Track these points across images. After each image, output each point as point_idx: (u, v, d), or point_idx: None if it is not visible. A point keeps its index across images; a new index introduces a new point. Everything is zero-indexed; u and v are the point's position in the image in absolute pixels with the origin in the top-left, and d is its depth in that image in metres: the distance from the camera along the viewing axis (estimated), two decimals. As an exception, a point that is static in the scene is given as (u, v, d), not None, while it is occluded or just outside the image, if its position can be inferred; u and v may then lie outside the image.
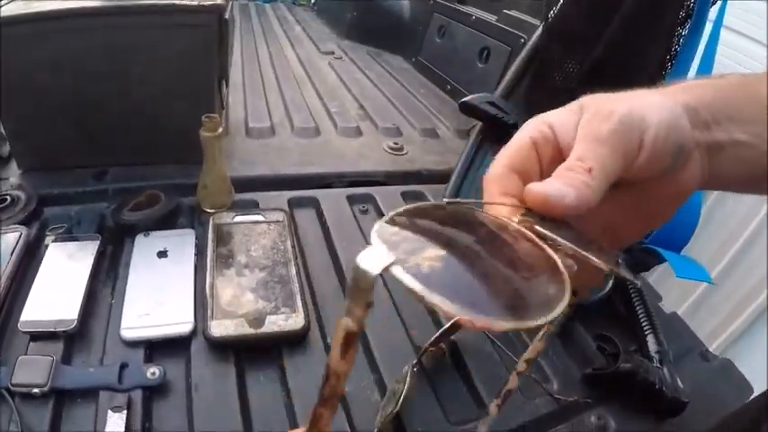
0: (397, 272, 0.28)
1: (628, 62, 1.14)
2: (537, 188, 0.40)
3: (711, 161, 0.45)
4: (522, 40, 1.46)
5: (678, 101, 0.44)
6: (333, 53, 2.07)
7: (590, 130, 0.42)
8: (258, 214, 1.01)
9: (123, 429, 0.67)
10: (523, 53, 1.28)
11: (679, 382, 0.80)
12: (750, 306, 1.87)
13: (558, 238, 0.37)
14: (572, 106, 0.45)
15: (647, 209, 0.47)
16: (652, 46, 1.12)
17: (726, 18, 1.08)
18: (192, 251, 0.93)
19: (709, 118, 0.45)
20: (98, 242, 0.92)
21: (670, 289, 1.88)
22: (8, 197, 0.98)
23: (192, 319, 0.81)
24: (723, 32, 1.07)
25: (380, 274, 0.26)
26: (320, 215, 1.09)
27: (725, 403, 0.82)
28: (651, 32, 1.11)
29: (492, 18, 1.67)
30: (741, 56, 2.08)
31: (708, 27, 1.09)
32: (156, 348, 0.79)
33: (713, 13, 1.09)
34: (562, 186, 0.40)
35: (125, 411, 0.69)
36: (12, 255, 0.87)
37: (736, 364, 0.91)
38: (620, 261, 0.40)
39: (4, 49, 0.93)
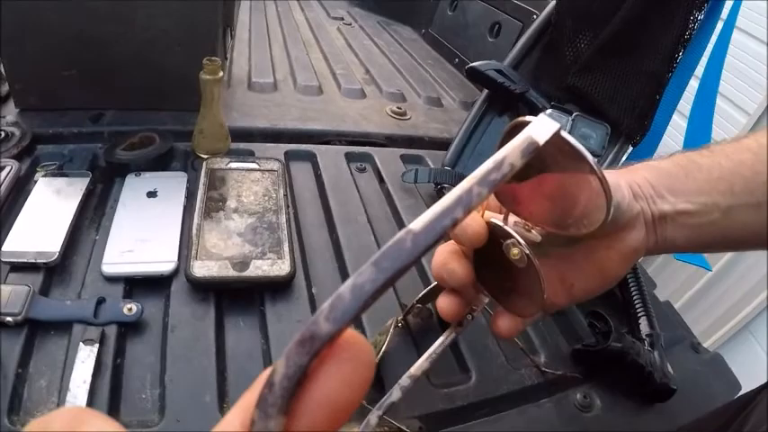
0: (565, 134, 0.35)
1: (640, 42, 1.10)
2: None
3: (658, 228, 0.52)
4: (535, 17, 1.41)
5: (621, 177, 0.50)
6: (342, 19, 2.02)
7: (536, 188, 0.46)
8: (253, 162, 0.97)
9: (93, 362, 0.64)
10: (535, 24, 1.24)
11: (669, 368, 0.76)
12: (744, 308, 1.85)
13: None
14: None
15: (598, 267, 0.52)
16: (666, 28, 1.08)
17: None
18: (182, 193, 0.89)
19: (652, 192, 0.51)
20: (88, 179, 0.89)
21: (666, 283, 1.87)
22: (2, 132, 0.95)
23: (176, 258, 0.77)
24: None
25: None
26: (316, 169, 1.05)
27: (712, 397, 0.79)
28: (667, 13, 1.07)
29: (506, -7, 1.63)
30: (741, 53, 2.05)
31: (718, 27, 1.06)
32: (136, 286, 0.76)
33: (724, 12, 1.06)
34: None
35: (97, 345, 0.65)
36: (0, 186, 0.84)
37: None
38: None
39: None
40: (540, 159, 0.42)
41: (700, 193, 0.52)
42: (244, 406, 0.22)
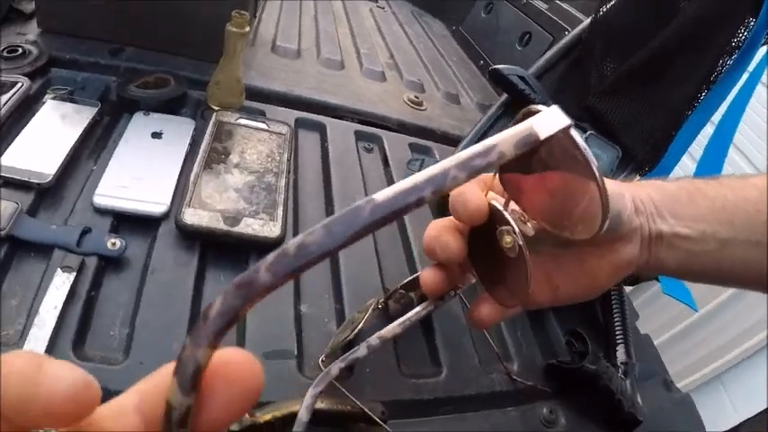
0: (574, 134, 0.35)
1: (665, 76, 1.09)
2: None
3: (653, 247, 0.52)
4: (566, 33, 1.40)
5: (627, 189, 0.50)
6: (377, 2, 2.00)
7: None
8: (263, 122, 0.95)
9: (68, 290, 0.62)
10: (565, 39, 1.22)
11: (638, 399, 0.75)
12: (721, 358, 1.85)
13: None
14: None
15: (587, 274, 0.52)
16: (694, 67, 1.07)
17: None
18: (187, 140, 0.87)
19: (653, 210, 0.51)
20: (96, 110, 0.87)
21: (650, 318, 1.86)
22: (20, 48, 0.93)
23: (168, 202, 0.76)
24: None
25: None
26: (323, 141, 1.03)
27: (674, 434, 0.79)
28: (697, 53, 1.05)
29: (543, 6, 1.60)
30: (761, 107, 2.03)
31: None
32: (124, 222, 0.74)
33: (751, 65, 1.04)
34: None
35: (74, 273, 0.64)
36: (8, 102, 0.82)
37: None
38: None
39: None
40: (548, 154, 0.41)
41: (700, 220, 0.52)
42: (142, 390, 0.23)
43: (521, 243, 0.44)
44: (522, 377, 0.75)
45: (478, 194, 0.47)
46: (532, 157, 0.42)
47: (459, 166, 0.23)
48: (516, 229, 0.45)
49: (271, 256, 0.20)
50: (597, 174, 0.39)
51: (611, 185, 0.47)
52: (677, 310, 1.95)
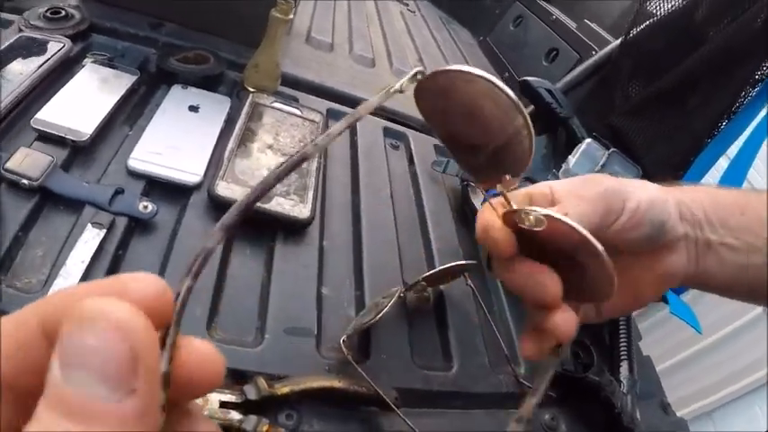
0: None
1: (689, 102, 1.09)
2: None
3: (699, 257, 0.49)
4: (594, 53, 1.39)
5: (672, 195, 0.48)
6: (407, 5, 1.99)
7: (577, 191, 0.45)
8: (296, 108, 0.94)
9: (96, 245, 0.62)
10: (594, 57, 1.23)
11: (638, 415, 0.75)
12: (713, 395, 1.83)
13: None
14: (574, 179, 0.48)
15: (631, 286, 0.49)
16: (718, 95, 1.07)
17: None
18: (222, 116, 0.86)
19: (702, 217, 0.49)
20: (135, 77, 0.87)
21: (654, 342, 1.85)
22: (63, 11, 0.92)
23: (202, 173, 0.75)
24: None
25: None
26: (353, 134, 1.03)
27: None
28: (722, 81, 1.05)
29: (572, 24, 1.60)
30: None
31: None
32: (157, 187, 0.74)
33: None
34: None
35: (104, 230, 0.64)
36: (48, 60, 0.81)
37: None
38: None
39: None
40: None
41: (748, 232, 0.49)
42: (41, 311, 0.23)
43: (544, 213, 0.38)
44: (528, 381, 0.75)
45: (495, 225, 0.42)
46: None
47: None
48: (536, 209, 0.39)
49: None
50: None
51: (655, 191, 0.47)
52: (681, 337, 1.94)
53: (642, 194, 0.45)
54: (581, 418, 0.75)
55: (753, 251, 0.49)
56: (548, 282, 0.41)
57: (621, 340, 0.86)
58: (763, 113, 1.03)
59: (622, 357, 0.83)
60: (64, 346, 0.19)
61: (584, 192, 0.45)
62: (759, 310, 1.77)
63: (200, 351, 0.24)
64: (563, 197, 0.45)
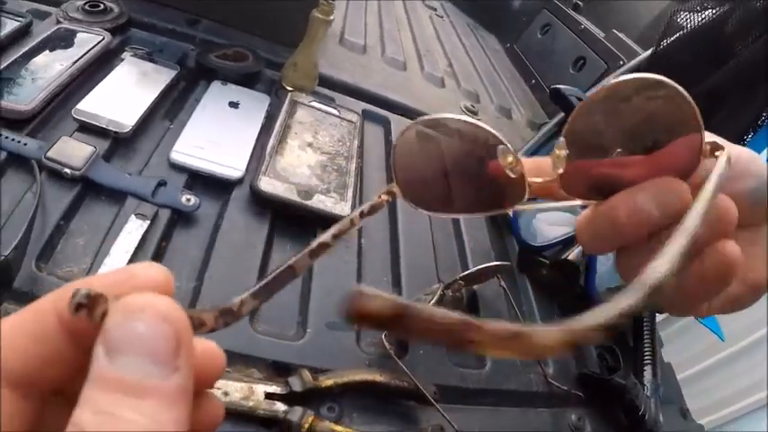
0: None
1: (717, 115, 1.08)
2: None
3: None
4: (622, 63, 1.38)
5: None
6: (435, 10, 1.99)
7: None
8: (334, 108, 0.94)
9: (140, 236, 0.62)
10: (625, 68, 1.22)
11: (661, 418, 0.75)
12: (742, 401, 1.82)
13: None
14: None
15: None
16: (745, 108, 1.06)
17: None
18: (262, 113, 0.86)
19: None
20: (175, 72, 0.87)
21: (674, 350, 1.84)
22: (101, 5, 0.93)
23: (244, 168, 0.75)
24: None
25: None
26: (387, 134, 1.03)
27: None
28: (749, 95, 1.04)
29: (600, 34, 1.59)
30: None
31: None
32: (199, 181, 0.74)
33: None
34: None
35: (148, 222, 0.64)
36: (88, 52, 0.81)
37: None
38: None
39: None
40: None
41: None
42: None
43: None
44: (557, 381, 0.75)
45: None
46: None
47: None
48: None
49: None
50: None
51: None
52: (701, 347, 1.92)
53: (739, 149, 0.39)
54: (606, 419, 0.76)
55: None
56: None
57: (646, 345, 0.86)
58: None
59: (646, 362, 0.83)
60: (111, 335, 0.22)
61: None
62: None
63: (204, 345, 0.27)
64: None
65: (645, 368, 0.82)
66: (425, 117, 0.38)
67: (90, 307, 0.22)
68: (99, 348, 0.22)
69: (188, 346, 0.23)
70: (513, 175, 0.38)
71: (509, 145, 0.38)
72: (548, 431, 0.71)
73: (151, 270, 0.25)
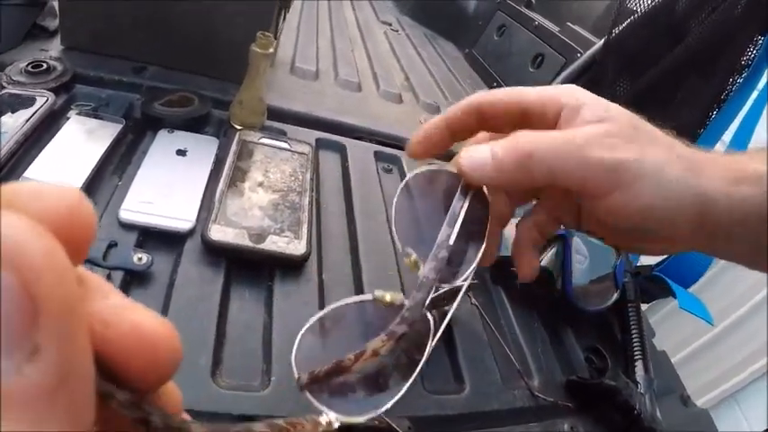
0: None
1: (677, 96, 1.09)
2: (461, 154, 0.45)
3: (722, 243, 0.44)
4: (579, 55, 1.39)
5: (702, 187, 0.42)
6: (390, 25, 2.00)
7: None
8: (285, 142, 0.94)
9: (94, 303, 0.61)
10: (579, 61, 1.23)
11: (658, 414, 0.74)
12: (740, 373, 1.83)
13: None
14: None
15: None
16: (706, 85, 1.07)
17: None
18: (211, 158, 0.86)
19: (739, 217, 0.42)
20: (121, 126, 0.87)
21: (667, 335, 1.85)
22: (44, 64, 0.93)
23: (194, 218, 0.75)
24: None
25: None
26: (344, 161, 1.03)
27: (694, 451, 0.78)
28: (707, 72, 1.05)
29: (555, 28, 1.60)
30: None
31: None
32: (150, 237, 0.73)
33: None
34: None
35: (102, 287, 0.63)
36: (33, 115, 0.82)
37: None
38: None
39: None
40: None
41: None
42: None
43: None
44: (543, 393, 0.74)
45: None
46: None
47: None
48: None
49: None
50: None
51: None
52: (690, 329, 1.94)
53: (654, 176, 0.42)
54: (601, 424, 0.75)
55: None
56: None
57: (634, 338, 0.86)
58: (751, 100, 1.03)
59: (636, 357, 0.83)
60: None
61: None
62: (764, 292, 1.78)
63: (134, 322, 0.18)
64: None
65: (636, 363, 0.82)
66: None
67: None
68: None
69: (58, 308, 0.14)
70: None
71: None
72: None
73: (51, 192, 0.17)
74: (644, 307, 0.95)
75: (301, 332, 0.40)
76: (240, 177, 0.83)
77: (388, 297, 0.40)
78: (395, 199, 0.47)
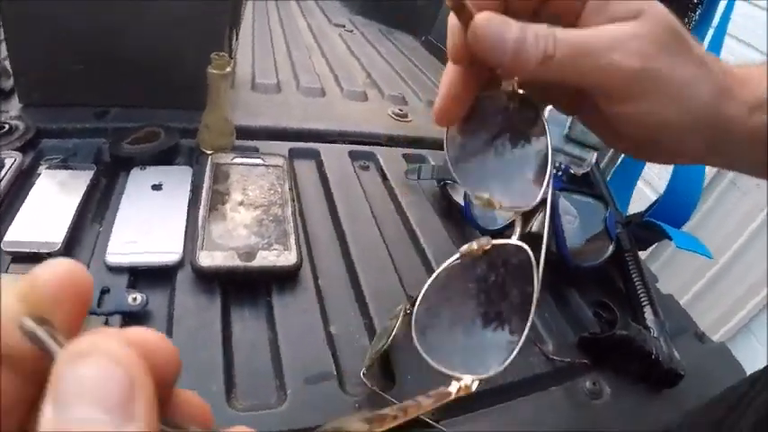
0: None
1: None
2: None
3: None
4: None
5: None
6: (344, 26, 1.99)
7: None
8: (258, 158, 0.94)
9: (97, 351, 0.61)
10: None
11: (676, 354, 0.74)
12: (748, 303, 1.83)
13: None
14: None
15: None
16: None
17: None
18: (187, 187, 0.86)
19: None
20: (92, 172, 0.86)
21: (668, 280, 1.85)
22: (6, 125, 0.92)
23: (181, 249, 0.75)
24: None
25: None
26: (320, 166, 1.03)
27: (719, 383, 0.77)
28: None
29: (507, -2, 1.60)
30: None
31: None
32: (141, 276, 0.73)
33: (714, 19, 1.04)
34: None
35: (101, 334, 0.62)
36: (3, 178, 0.81)
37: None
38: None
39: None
40: None
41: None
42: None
43: None
44: (558, 356, 0.75)
45: None
46: None
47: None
48: None
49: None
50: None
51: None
52: (691, 271, 1.94)
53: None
54: (622, 375, 0.75)
55: None
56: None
57: (638, 286, 0.86)
58: (708, 38, 1.04)
59: (644, 303, 0.83)
60: (57, 385, 0.19)
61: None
62: (762, 216, 1.78)
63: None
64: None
65: (644, 309, 0.82)
66: None
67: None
68: (47, 404, 0.19)
69: (146, 389, 0.20)
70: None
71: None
72: (566, 407, 0.70)
73: (52, 268, 0.22)
74: (643, 256, 0.95)
75: (415, 312, 0.41)
76: (220, 200, 0.83)
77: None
78: (447, 149, 0.44)
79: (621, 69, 0.37)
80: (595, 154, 0.99)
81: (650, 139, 0.42)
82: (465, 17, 0.36)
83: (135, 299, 0.67)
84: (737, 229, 1.84)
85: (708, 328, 0.91)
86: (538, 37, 0.36)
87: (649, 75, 0.38)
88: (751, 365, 0.78)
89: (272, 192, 0.86)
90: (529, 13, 0.40)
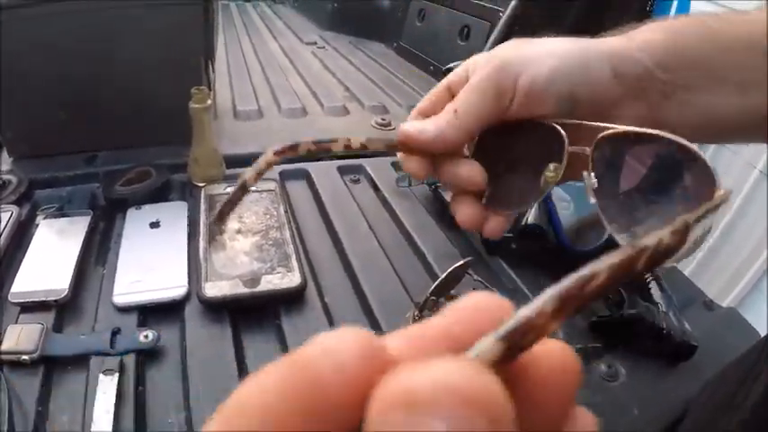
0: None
1: (605, 24, 1.10)
2: (402, 126, 0.44)
3: (655, 109, 0.42)
4: (501, 14, 1.41)
5: (604, 50, 0.41)
6: (315, 43, 2.01)
7: (471, 78, 0.42)
8: (250, 184, 0.95)
9: (115, 392, 0.62)
10: (502, 21, 1.24)
11: (687, 326, 0.75)
12: (754, 264, 1.82)
13: None
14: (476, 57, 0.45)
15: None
16: (627, 5, 1.09)
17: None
18: (184, 221, 0.87)
19: (650, 65, 0.41)
20: (89, 217, 0.87)
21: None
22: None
23: (186, 283, 0.76)
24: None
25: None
26: (312, 185, 1.04)
27: (733, 349, 0.78)
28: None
29: (472, -2, 1.62)
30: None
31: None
32: (150, 313, 0.74)
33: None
34: (424, 124, 0.43)
35: (116, 374, 0.63)
36: (2, 232, 0.82)
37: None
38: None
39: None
40: None
41: (720, 68, 0.42)
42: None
43: None
44: (570, 343, 0.74)
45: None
46: None
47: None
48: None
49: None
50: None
51: (566, 56, 0.42)
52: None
53: (541, 66, 0.40)
54: (635, 354, 0.75)
55: (718, 86, 0.41)
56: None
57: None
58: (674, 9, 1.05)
59: (648, 279, 0.83)
60: None
61: (473, 78, 0.42)
62: (755, 174, 1.77)
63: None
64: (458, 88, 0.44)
65: (650, 285, 0.82)
66: None
67: None
68: None
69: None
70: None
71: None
72: (583, 393, 0.70)
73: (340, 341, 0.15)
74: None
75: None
76: (218, 231, 0.83)
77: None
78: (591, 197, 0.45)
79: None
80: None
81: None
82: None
83: (146, 336, 0.67)
84: (734, 191, 1.83)
85: (716, 295, 0.90)
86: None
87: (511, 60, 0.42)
88: (763, 327, 0.79)
89: (268, 216, 0.87)
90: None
